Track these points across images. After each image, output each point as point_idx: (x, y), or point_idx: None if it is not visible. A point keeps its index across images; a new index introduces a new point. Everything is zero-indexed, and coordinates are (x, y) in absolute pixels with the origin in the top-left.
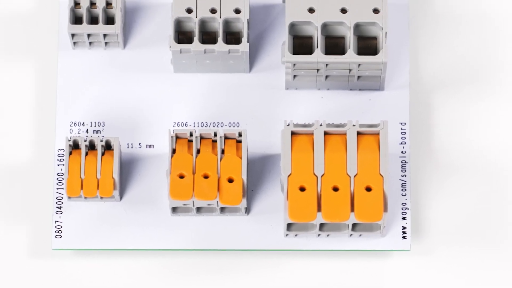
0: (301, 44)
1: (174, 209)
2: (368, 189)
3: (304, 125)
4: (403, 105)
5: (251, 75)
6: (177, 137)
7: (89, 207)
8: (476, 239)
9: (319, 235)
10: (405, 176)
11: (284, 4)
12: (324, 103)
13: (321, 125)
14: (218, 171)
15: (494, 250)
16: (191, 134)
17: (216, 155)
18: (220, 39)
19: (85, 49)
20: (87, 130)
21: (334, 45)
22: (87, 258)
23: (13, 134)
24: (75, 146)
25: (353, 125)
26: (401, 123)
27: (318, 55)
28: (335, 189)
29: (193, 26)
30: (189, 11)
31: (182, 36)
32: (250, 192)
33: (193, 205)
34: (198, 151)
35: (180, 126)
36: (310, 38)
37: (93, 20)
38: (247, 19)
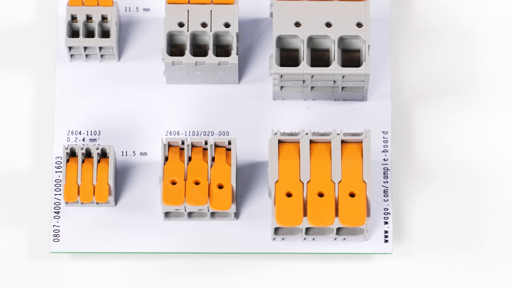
0: (287, 57)
1: (167, 214)
2: (352, 195)
3: (291, 134)
4: (385, 114)
5: (240, 86)
6: (169, 145)
7: (86, 212)
8: (454, 242)
9: (305, 238)
10: (387, 182)
11: (271, 18)
12: (309, 113)
13: (307, 134)
14: (209, 178)
15: (471, 253)
16: (182, 143)
17: (207, 162)
18: (210, 52)
19: (82, 61)
20: (84, 138)
21: (319, 58)
22: (83, 261)
23: (13, 142)
24: (72, 154)
25: (338, 134)
26: (383, 132)
27: (304, 67)
28: (320, 195)
29: (185, 39)
30: (180, 25)
31: (174, 49)
32: (239, 197)
33: (185, 210)
34: (190, 159)
35: (172, 134)
36: (296, 51)
37: (89, 34)
38: (236, 33)
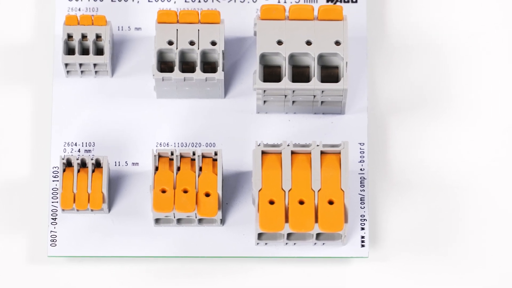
0: (270, 73)
1: (157, 220)
2: (331, 202)
3: (273, 145)
4: (361, 127)
5: (226, 100)
6: (159, 156)
7: (81, 219)
8: (427, 247)
9: (286, 243)
10: (364, 191)
11: (255, 37)
12: (291, 125)
13: (288, 145)
14: (196, 186)
15: (442, 257)
16: (172, 153)
17: (195, 172)
18: (198, 68)
19: (77, 77)
20: (79, 149)
21: (300, 74)
22: (79, 264)
23: (13, 153)
24: (68, 164)
25: (317, 145)
26: (360, 144)
27: (286, 83)
28: (301, 202)
29: (174, 56)
30: (170, 43)
31: (164, 65)
32: (225, 205)
33: (174, 217)
34: (179, 169)
35: (162, 146)
36: (278, 67)
37: (85, 51)
38: (222, 50)
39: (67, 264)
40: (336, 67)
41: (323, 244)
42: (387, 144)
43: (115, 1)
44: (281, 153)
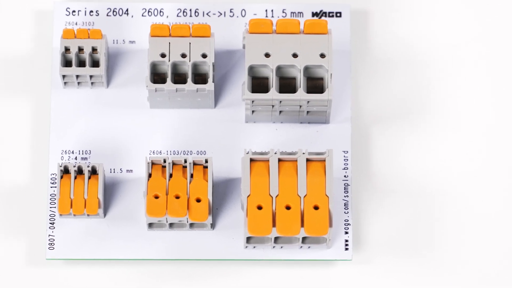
0: (258, 84)
1: (150, 225)
2: (316, 207)
3: (261, 153)
4: (345, 136)
5: (216, 110)
6: (152, 163)
7: (78, 223)
8: (408, 250)
9: (274, 247)
10: (347, 196)
11: (244, 49)
12: (278, 134)
13: (275, 153)
14: (188, 192)
15: (422, 260)
16: (164, 161)
17: (186, 178)
18: (189, 79)
19: (74, 88)
20: (76, 157)
21: (287, 85)
22: (76, 267)
23: (13, 160)
24: (65, 171)
25: (303, 153)
26: (344, 152)
27: (273, 93)
28: (288, 207)
29: (166, 68)
30: (162, 55)
31: (157, 77)
32: (215, 210)
33: (166, 221)
34: (171, 175)
35: (155, 154)
36: (266, 78)
37: (81, 63)
38: (213, 63)
39: (64, 266)
40: (321, 79)
41: (309, 247)
42: (369, 152)
43: (110, 15)
44: (268, 160)
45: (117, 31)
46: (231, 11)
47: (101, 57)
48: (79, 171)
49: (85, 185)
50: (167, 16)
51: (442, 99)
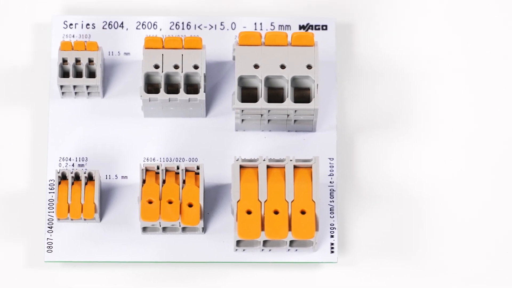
0: (248, 94)
1: (144, 229)
2: (303, 212)
3: (250, 160)
4: (331, 143)
5: (207, 119)
6: (146, 170)
7: (75, 227)
8: (391, 253)
9: (262, 250)
10: (333, 201)
11: (234, 61)
12: (267, 142)
13: (264, 160)
14: (180, 198)
15: (405, 262)
16: (158, 167)
17: (179, 184)
18: (181, 90)
19: (72, 98)
20: (73, 164)
21: (275, 95)
22: (73, 269)
23: (12, 167)
24: (63, 177)
25: (290, 160)
26: (330, 159)
27: (262, 103)
28: (276, 212)
29: (160, 79)
30: (156, 67)
31: (151, 87)
32: (206, 214)
33: (160, 226)
34: (164, 181)
35: (149, 160)
36: (255, 89)
37: (78, 74)
38: (204, 74)
39: (62, 268)
40: (308, 89)
41: (296, 250)
42: (354, 159)
43: (106, 28)
44: (257, 167)
45: (113, 43)
46: (221, 24)
47: (97, 68)
48: (76, 178)
49: (82, 191)
50: (160, 29)
51: (423, 108)
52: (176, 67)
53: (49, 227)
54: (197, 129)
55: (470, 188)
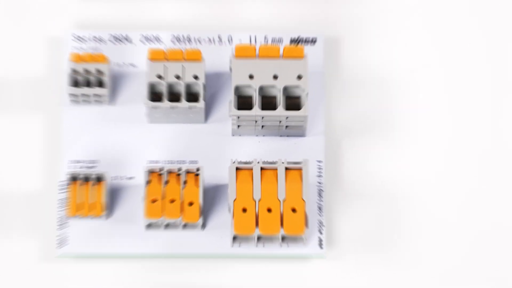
0: (243, 102)
1: (148, 225)
2: (294, 210)
3: (246, 163)
4: (319, 147)
5: (206, 125)
6: (150, 171)
7: (84, 224)
8: (374, 247)
9: (257, 245)
10: (321, 201)
11: (231, 72)
12: (260, 146)
13: (258, 162)
14: (181, 197)
15: (387, 256)
16: (161, 169)
17: (180, 185)
18: (183, 98)
19: (82, 106)
20: (83, 166)
21: (268, 103)
22: (83, 262)
23: (27, 169)
24: (74, 178)
25: (282, 163)
26: (318, 161)
27: (256, 110)
28: (269, 210)
29: (163, 88)
30: (159, 77)
31: (154, 96)
32: (205, 212)
33: (163, 222)
34: (166, 182)
35: (153, 163)
36: (250, 97)
37: (88, 84)
38: (203, 83)
39: (73, 262)
40: (298, 97)
41: (288, 245)
42: (341, 161)
43: (113, 42)
44: (252, 169)
45: (120, 56)
46: (219, 38)
47: (106, 78)
48: (86, 179)
49: (91, 191)
50: (163, 42)
51: (403, 115)
52: (177, 77)
53: (60, 224)
54: (197, 134)
55: (445, 187)
